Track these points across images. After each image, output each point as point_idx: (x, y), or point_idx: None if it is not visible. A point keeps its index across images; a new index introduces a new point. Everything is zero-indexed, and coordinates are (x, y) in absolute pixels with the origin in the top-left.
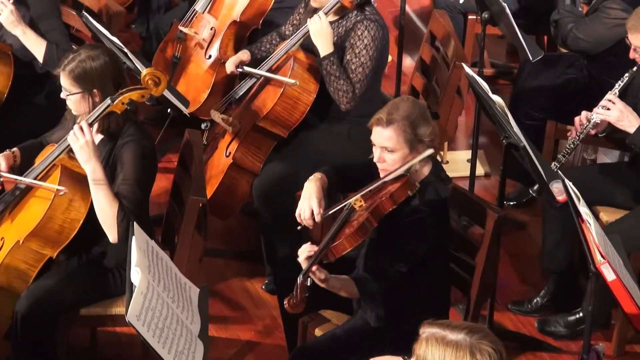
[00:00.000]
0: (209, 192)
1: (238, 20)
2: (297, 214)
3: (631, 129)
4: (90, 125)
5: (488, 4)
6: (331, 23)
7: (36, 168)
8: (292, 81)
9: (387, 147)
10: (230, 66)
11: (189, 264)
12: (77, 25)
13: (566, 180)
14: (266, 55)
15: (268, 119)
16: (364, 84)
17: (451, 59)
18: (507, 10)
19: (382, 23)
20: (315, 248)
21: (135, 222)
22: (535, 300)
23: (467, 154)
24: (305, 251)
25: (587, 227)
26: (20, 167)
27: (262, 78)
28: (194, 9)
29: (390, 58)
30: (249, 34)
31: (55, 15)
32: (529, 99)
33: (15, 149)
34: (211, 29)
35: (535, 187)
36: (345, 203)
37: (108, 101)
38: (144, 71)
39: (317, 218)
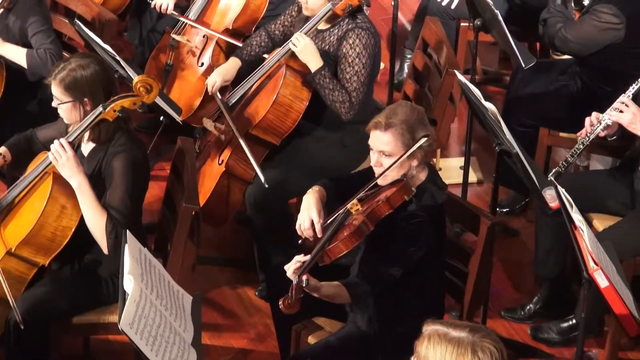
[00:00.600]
0: (202, 199)
1: (230, 27)
2: (297, 226)
3: None
4: (73, 141)
5: (480, 11)
6: (323, 31)
7: (28, 176)
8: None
9: (384, 152)
10: (209, 87)
11: (182, 272)
12: (69, 33)
13: (559, 187)
14: (256, 60)
15: (260, 126)
16: (361, 92)
17: (444, 66)
18: (500, 17)
19: (374, 31)
20: (307, 257)
21: (127, 231)
22: (528, 307)
23: (460, 161)
24: (294, 263)
25: (579, 234)
26: (10, 165)
27: (254, 85)
28: (187, 17)
29: (382, 65)
30: (242, 40)
31: (48, 25)
32: (521, 105)
33: (3, 148)
34: (203, 36)
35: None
36: (343, 208)
37: (100, 108)
38: (135, 78)
39: (318, 228)
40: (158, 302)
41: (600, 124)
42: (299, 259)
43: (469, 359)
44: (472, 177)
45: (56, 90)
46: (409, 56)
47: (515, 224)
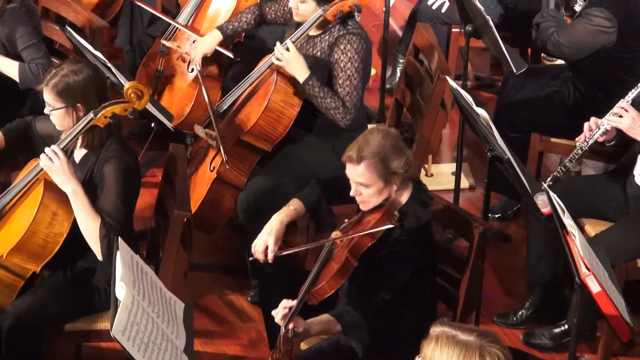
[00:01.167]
0: (194, 206)
1: None
2: (252, 245)
3: None
4: (64, 147)
5: (472, 16)
6: (314, 37)
7: (19, 183)
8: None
9: (361, 183)
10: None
11: (174, 279)
12: (60, 40)
13: (550, 193)
14: (235, 35)
15: (252, 133)
16: (355, 96)
17: (435, 72)
18: (491, 23)
19: (365, 36)
20: (293, 303)
21: (119, 237)
22: (520, 313)
23: (452, 167)
24: (281, 309)
25: (571, 239)
26: (3, 150)
27: (245, 92)
28: (177, 22)
29: (374, 71)
30: (231, 46)
31: (39, 38)
32: (513, 111)
33: None
34: (193, 42)
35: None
36: (326, 241)
37: (91, 115)
38: (126, 84)
39: (270, 256)
40: (150, 309)
41: (599, 129)
42: (286, 304)
43: None
44: (464, 183)
45: (48, 96)
46: (401, 61)
47: (507, 229)
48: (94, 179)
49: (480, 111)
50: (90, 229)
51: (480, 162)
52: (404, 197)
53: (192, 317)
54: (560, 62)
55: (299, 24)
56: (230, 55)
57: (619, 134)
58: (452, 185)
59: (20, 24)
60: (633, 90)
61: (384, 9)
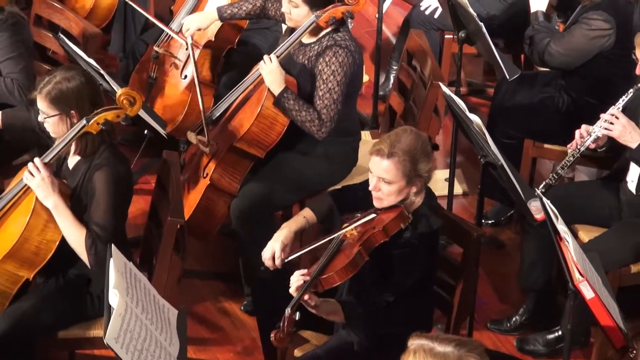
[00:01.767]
0: (187, 213)
1: (213, 39)
2: (262, 253)
3: (633, 144)
4: (49, 161)
5: (465, 23)
6: (306, 45)
7: (11, 191)
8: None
9: (384, 178)
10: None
11: (167, 286)
12: (53, 47)
13: (544, 199)
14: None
15: (245, 139)
16: (332, 109)
17: (428, 78)
18: (484, 30)
19: (353, 49)
20: (307, 276)
21: (112, 245)
22: (514, 319)
23: (445, 173)
24: (296, 280)
25: (565, 245)
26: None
27: (238, 98)
28: (170, 29)
29: (367, 78)
30: (225, 53)
31: (20, 51)
32: (506, 117)
33: None
34: (186, 49)
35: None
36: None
37: (83, 121)
38: (119, 91)
39: (277, 262)
40: (143, 316)
41: (590, 136)
42: (301, 273)
43: None
44: (458, 189)
45: (42, 104)
46: (395, 68)
47: (501, 235)
48: (86, 186)
49: (474, 117)
50: (76, 240)
51: (474, 168)
52: (418, 201)
53: (186, 324)
54: None
55: (292, 31)
56: (183, 42)
57: (610, 140)
58: (445, 192)
59: (2, 36)
60: (624, 97)
61: (377, 16)
